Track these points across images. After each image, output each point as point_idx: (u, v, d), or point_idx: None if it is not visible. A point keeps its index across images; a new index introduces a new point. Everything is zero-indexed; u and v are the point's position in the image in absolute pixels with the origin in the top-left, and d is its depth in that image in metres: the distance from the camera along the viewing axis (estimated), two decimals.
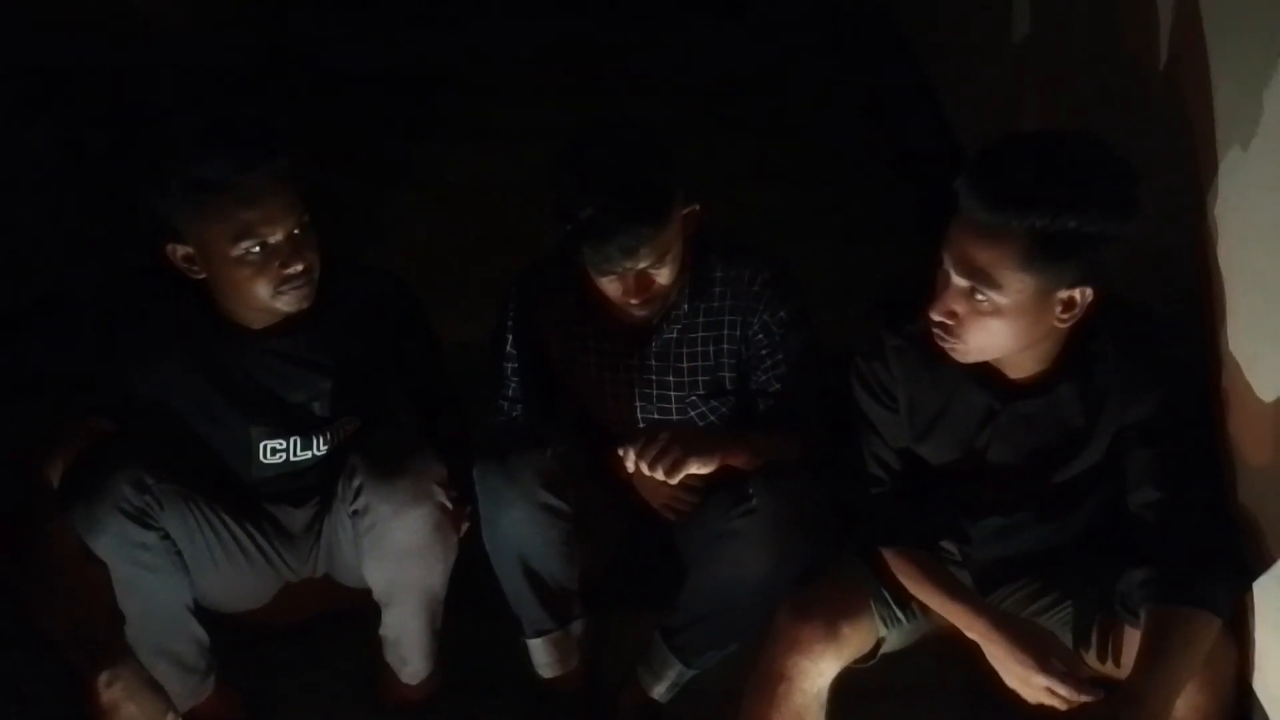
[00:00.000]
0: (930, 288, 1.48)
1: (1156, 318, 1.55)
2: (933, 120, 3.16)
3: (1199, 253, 1.59)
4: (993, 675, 1.54)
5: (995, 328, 1.43)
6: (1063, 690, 1.46)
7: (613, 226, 1.55)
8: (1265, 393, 1.46)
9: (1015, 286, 1.38)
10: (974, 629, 1.54)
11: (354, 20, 4.09)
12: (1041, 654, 1.48)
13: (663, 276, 1.65)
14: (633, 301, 1.65)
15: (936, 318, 1.46)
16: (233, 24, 3.85)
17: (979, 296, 1.41)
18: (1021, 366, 1.52)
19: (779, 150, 3.31)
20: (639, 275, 1.62)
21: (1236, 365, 1.52)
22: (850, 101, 3.57)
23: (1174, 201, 1.63)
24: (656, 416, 1.82)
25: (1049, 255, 1.36)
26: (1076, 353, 1.51)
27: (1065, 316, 1.43)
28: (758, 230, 1.84)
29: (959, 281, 1.42)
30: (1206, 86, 1.56)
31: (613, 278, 1.62)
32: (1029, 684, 1.48)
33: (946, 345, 1.49)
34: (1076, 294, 1.40)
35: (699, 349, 1.78)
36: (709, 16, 4.14)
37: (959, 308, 1.43)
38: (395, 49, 3.98)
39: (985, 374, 1.55)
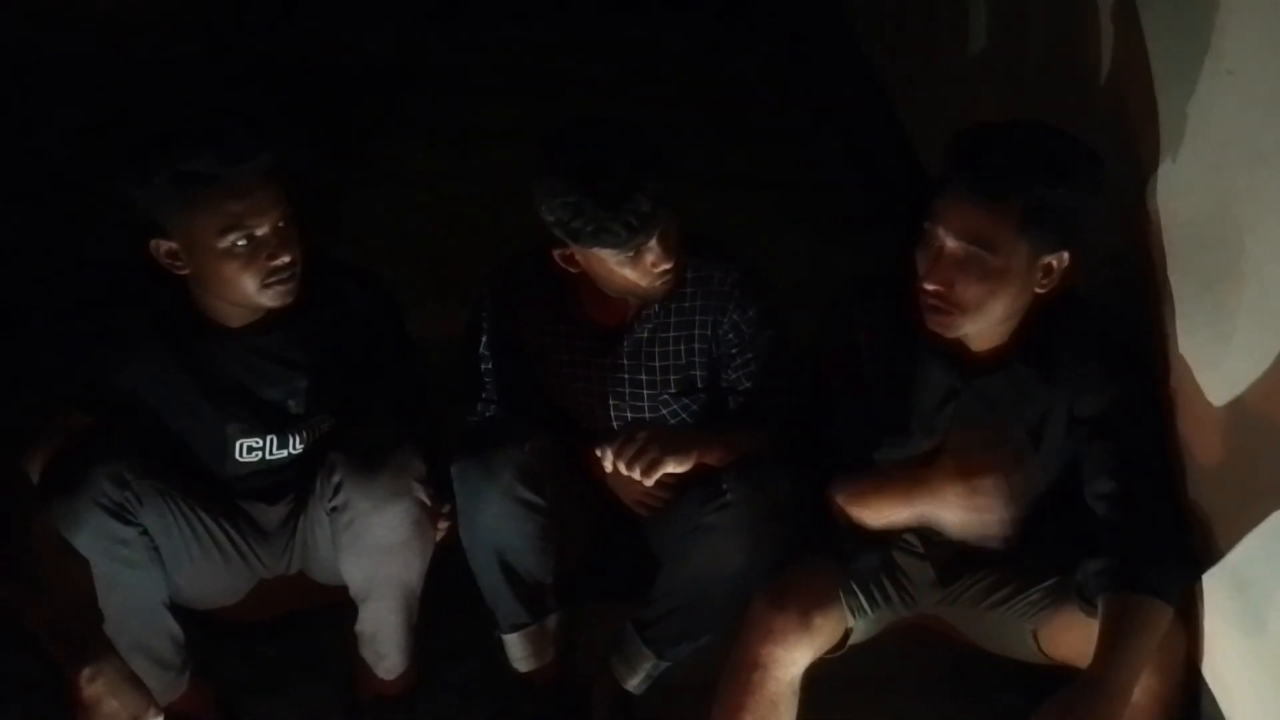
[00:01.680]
0: (900, 275, 1.56)
1: (1111, 315, 1.64)
2: (884, 125, 3.23)
3: (1145, 256, 1.67)
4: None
5: (987, 293, 1.51)
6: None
7: (631, 182, 1.55)
8: (1212, 394, 1.54)
9: (1009, 250, 1.48)
10: (929, 487, 1.58)
11: (324, 16, 4.06)
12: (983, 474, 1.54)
13: (675, 236, 1.67)
14: (666, 266, 1.66)
15: (931, 287, 1.53)
16: (193, 20, 3.80)
17: (974, 262, 1.49)
18: (987, 339, 1.60)
19: (737, 154, 3.36)
20: (664, 234, 1.63)
21: (1185, 367, 1.59)
22: (806, 107, 3.64)
23: (1123, 206, 1.71)
24: (629, 415, 1.84)
25: (1040, 223, 1.47)
26: (1035, 333, 1.60)
27: (1045, 282, 1.53)
28: (716, 233, 1.87)
29: (954, 249, 1.50)
30: (1150, 96, 1.65)
31: (650, 246, 1.62)
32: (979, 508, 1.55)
33: (938, 320, 1.55)
34: (1054, 261, 1.52)
35: (670, 348, 1.81)
36: (672, 25, 4.19)
37: (953, 275, 1.51)
38: (365, 47, 3.97)
39: (949, 350, 1.62)
